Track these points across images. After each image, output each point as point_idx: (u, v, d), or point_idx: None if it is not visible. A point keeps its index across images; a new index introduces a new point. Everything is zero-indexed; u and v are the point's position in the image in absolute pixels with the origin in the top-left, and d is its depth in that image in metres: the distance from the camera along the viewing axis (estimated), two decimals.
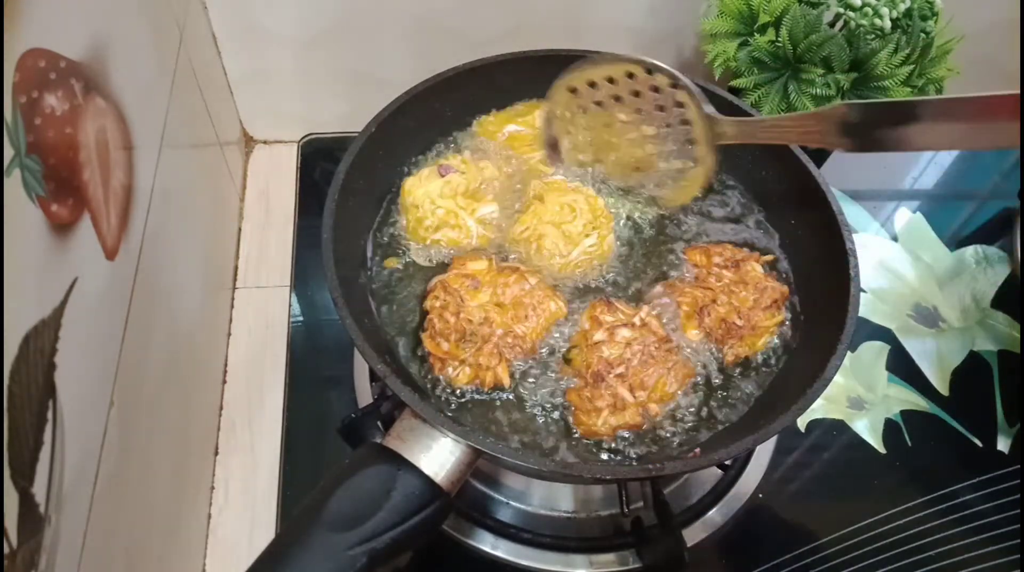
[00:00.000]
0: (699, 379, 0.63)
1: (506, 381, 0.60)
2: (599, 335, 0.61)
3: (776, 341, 0.66)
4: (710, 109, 0.63)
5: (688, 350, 0.64)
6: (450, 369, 0.61)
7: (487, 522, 0.73)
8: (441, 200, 0.68)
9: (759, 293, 0.65)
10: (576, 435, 0.60)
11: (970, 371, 0.88)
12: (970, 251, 0.98)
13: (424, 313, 0.64)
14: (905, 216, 1.01)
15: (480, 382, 0.60)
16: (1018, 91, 0.45)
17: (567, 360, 0.62)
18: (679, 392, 0.61)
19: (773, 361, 0.65)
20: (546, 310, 0.63)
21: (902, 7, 0.80)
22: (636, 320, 0.62)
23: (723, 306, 0.64)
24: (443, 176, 0.68)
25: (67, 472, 0.45)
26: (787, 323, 0.67)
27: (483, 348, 0.60)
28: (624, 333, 0.61)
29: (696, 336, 0.64)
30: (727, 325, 0.64)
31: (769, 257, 0.70)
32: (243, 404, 0.82)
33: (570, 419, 0.60)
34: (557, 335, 0.64)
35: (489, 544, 0.72)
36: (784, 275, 0.70)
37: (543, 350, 0.63)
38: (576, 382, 0.61)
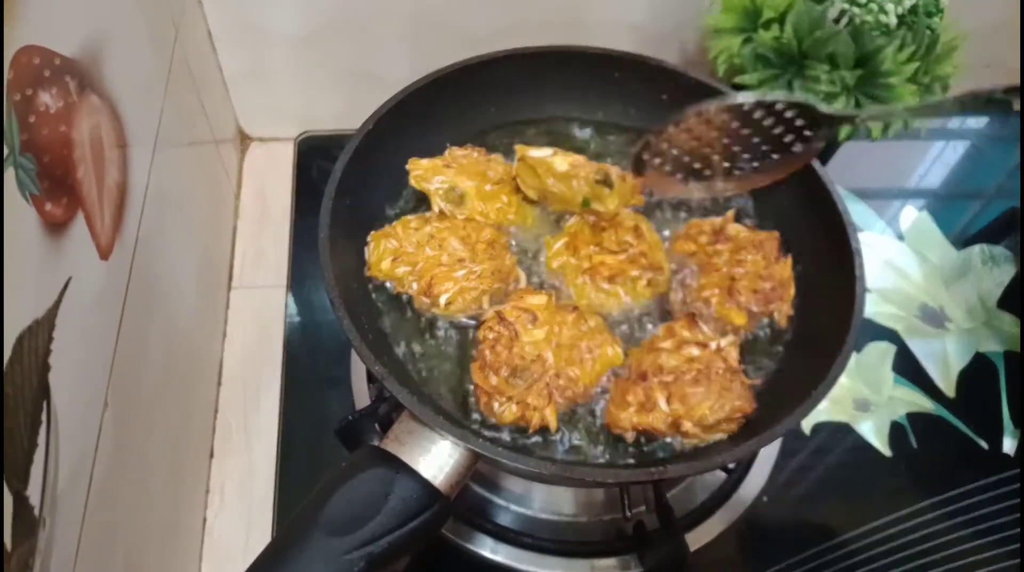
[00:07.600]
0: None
1: (553, 424, 0.57)
2: (666, 344, 0.60)
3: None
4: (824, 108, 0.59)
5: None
6: (496, 404, 0.58)
7: (487, 526, 0.72)
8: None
9: (762, 249, 0.64)
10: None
11: (976, 373, 0.87)
12: (976, 250, 0.97)
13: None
14: (911, 215, 1.01)
15: (526, 422, 0.57)
16: None
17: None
18: (724, 422, 0.57)
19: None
20: (603, 355, 0.60)
21: (907, 3, 0.79)
22: (713, 345, 0.60)
23: (743, 279, 0.63)
24: None
25: (62, 474, 0.45)
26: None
27: (532, 387, 0.57)
28: (691, 351, 0.59)
29: (743, 320, 0.62)
30: (759, 294, 0.62)
31: (732, 210, 0.69)
32: (239, 405, 0.81)
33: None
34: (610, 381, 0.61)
35: (489, 548, 0.71)
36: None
37: (596, 391, 0.60)
38: (624, 372, 0.60)
